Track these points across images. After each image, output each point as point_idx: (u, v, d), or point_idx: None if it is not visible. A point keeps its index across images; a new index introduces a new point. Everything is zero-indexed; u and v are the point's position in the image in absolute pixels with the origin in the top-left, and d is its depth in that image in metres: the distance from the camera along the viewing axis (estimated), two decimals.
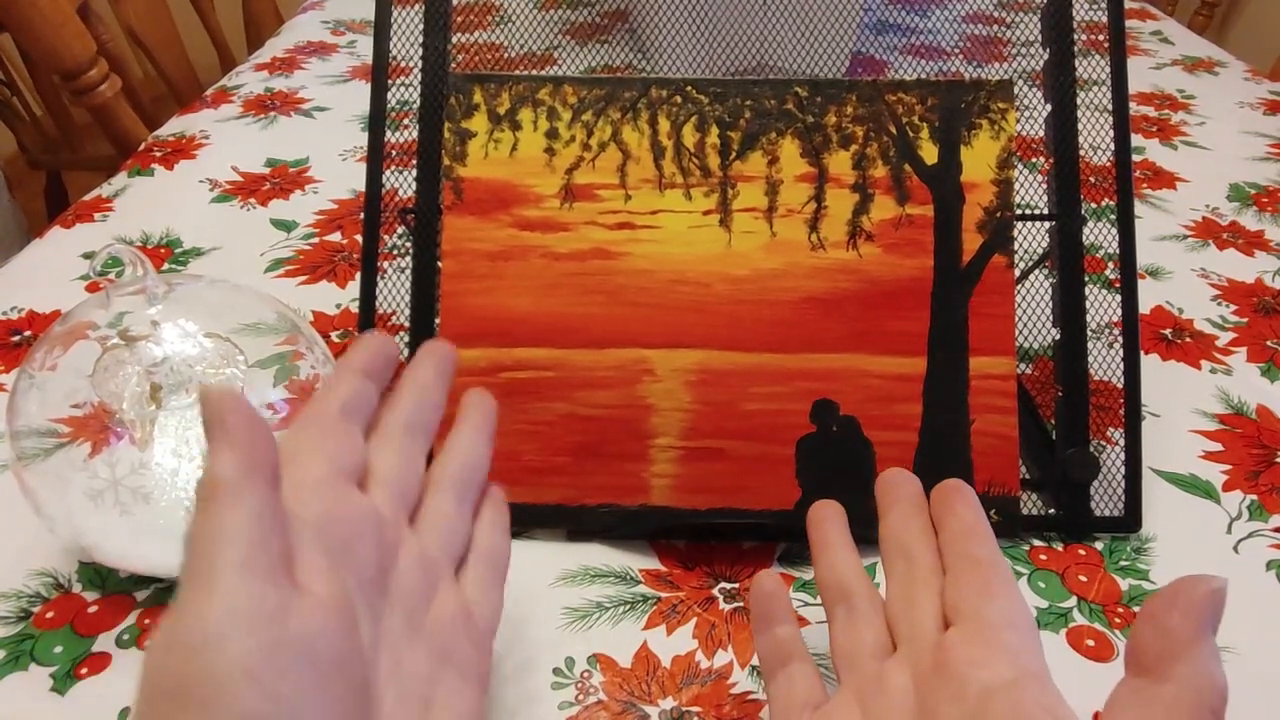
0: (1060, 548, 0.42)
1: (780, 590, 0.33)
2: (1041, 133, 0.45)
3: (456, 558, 0.29)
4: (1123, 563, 0.41)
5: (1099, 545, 0.42)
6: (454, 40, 0.45)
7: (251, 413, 0.22)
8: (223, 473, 0.21)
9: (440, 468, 0.30)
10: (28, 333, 0.54)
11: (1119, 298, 0.44)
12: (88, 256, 0.61)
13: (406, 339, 0.44)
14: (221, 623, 0.20)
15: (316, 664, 0.21)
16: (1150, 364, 0.54)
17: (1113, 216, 0.44)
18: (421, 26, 0.45)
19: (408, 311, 0.44)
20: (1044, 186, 0.45)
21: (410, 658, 0.25)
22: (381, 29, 0.45)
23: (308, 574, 0.22)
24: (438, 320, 0.42)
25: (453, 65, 0.45)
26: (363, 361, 0.28)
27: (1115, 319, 0.44)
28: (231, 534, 0.21)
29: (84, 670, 0.36)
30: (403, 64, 0.46)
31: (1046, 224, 0.44)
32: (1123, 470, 0.43)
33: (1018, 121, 0.42)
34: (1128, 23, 1.06)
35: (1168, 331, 0.56)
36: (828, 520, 0.34)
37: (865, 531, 0.41)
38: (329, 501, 0.25)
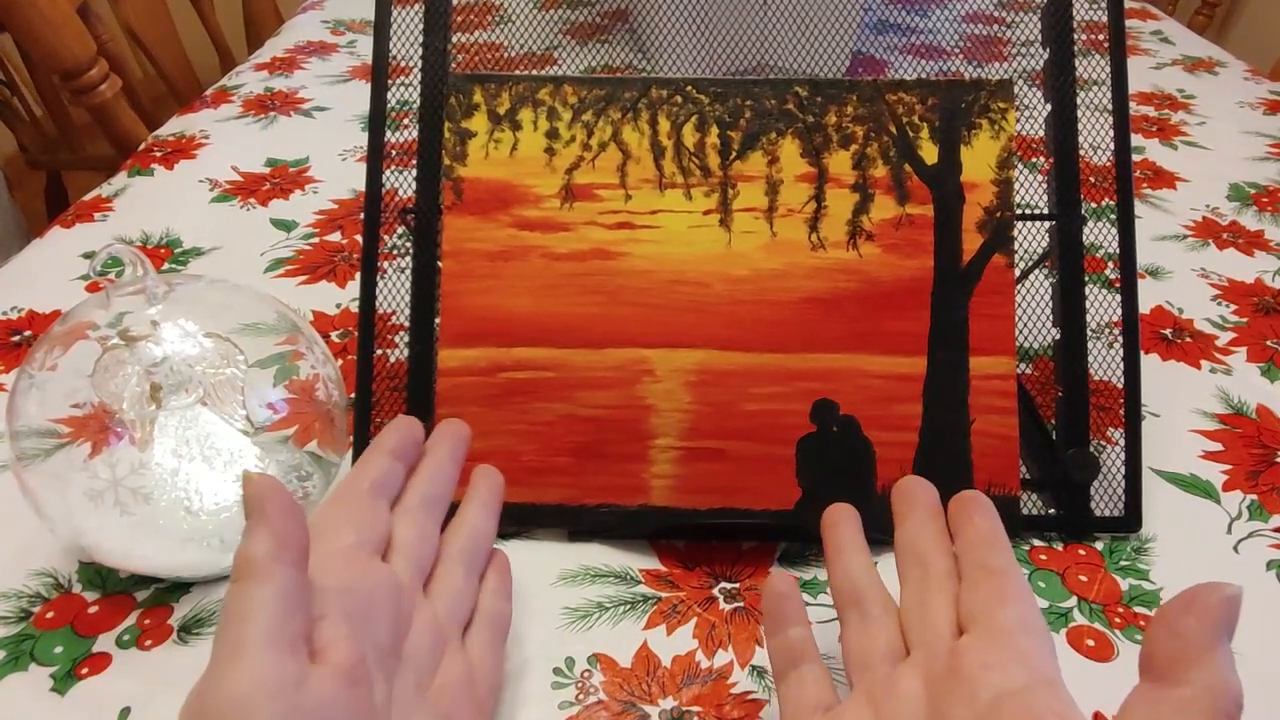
0: (1060, 548, 0.42)
1: (792, 591, 0.33)
2: (1041, 133, 0.45)
3: (463, 623, 0.32)
4: (1123, 563, 0.41)
5: (1099, 545, 0.42)
6: (454, 40, 0.45)
7: (287, 498, 0.25)
8: (255, 553, 0.24)
9: (451, 539, 0.33)
10: (28, 333, 0.54)
11: (1119, 297, 0.44)
12: (88, 256, 0.61)
13: (407, 339, 0.44)
14: (248, 691, 0.22)
15: None
16: (1150, 364, 0.54)
17: (1113, 216, 0.44)
18: (421, 26, 0.45)
19: (408, 311, 0.44)
20: (1044, 186, 0.45)
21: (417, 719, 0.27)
22: (381, 29, 0.45)
23: (329, 641, 0.25)
24: (438, 320, 0.42)
25: (453, 65, 0.45)
26: (393, 444, 0.32)
27: (1115, 319, 0.44)
28: (259, 610, 0.23)
29: (84, 670, 0.36)
30: (403, 64, 0.46)
31: (1046, 224, 0.44)
32: (1123, 470, 0.43)
33: (1018, 121, 0.42)
34: (1128, 23, 1.06)
35: (1168, 331, 0.56)
36: (841, 523, 0.34)
37: (867, 533, 0.41)
38: (354, 571, 0.28)
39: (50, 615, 0.38)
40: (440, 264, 0.42)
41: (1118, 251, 0.44)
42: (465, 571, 0.32)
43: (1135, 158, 0.76)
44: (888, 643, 0.30)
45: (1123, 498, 0.43)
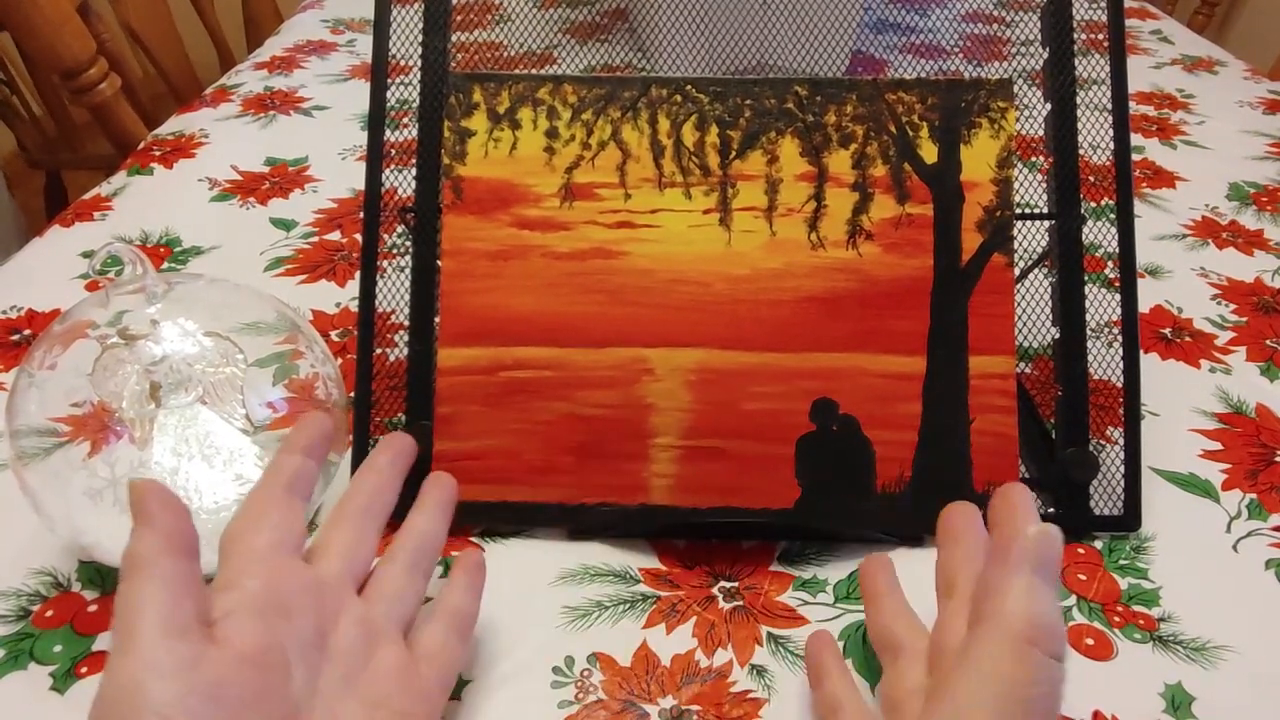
0: None
1: (830, 645, 0.35)
2: (1041, 132, 0.45)
3: (404, 619, 0.32)
4: (1122, 562, 0.41)
5: (1098, 544, 0.42)
6: (453, 39, 0.45)
7: (170, 497, 0.27)
8: (139, 549, 0.26)
9: (397, 541, 0.34)
10: (27, 332, 0.54)
11: (1118, 297, 0.44)
12: (87, 255, 0.61)
13: (406, 338, 0.44)
14: (138, 675, 0.24)
15: (226, 705, 0.25)
16: (1150, 363, 0.54)
17: (1112, 216, 0.44)
18: (421, 25, 0.45)
19: (407, 310, 0.44)
20: (1044, 186, 0.45)
21: (344, 709, 0.28)
22: (381, 28, 0.45)
23: (234, 631, 0.26)
24: (437, 319, 0.42)
25: (452, 64, 0.45)
26: (304, 441, 0.32)
27: (1115, 318, 0.44)
28: (147, 600, 0.25)
29: (84, 669, 0.36)
30: (402, 63, 0.46)
31: (1046, 223, 0.44)
32: (1122, 469, 0.43)
33: (1017, 121, 0.42)
34: (1128, 22, 1.06)
35: (1167, 331, 0.56)
36: (877, 572, 0.36)
37: (865, 531, 0.42)
38: (270, 571, 0.29)
39: (50, 614, 0.38)
40: (440, 263, 0.42)
41: (1117, 251, 0.44)
42: (406, 570, 0.33)
43: (1135, 157, 0.76)
44: (915, 679, 0.31)
45: (1122, 497, 0.43)
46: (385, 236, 0.47)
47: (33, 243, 0.64)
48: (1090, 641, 0.38)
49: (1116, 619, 0.39)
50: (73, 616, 0.38)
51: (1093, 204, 0.58)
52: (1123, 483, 0.43)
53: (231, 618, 0.27)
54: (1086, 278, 0.43)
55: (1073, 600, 0.40)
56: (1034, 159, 0.63)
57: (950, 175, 0.42)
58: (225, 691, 0.25)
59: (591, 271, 0.42)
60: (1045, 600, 0.26)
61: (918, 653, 0.31)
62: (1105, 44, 0.44)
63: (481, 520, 0.42)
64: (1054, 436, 0.43)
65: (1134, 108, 0.86)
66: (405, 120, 0.46)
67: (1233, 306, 0.59)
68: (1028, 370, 0.50)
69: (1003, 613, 0.25)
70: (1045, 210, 0.44)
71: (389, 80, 0.45)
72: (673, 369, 0.41)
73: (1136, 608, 0.39)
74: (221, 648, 0.26)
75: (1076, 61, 0.44)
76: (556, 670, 0.36)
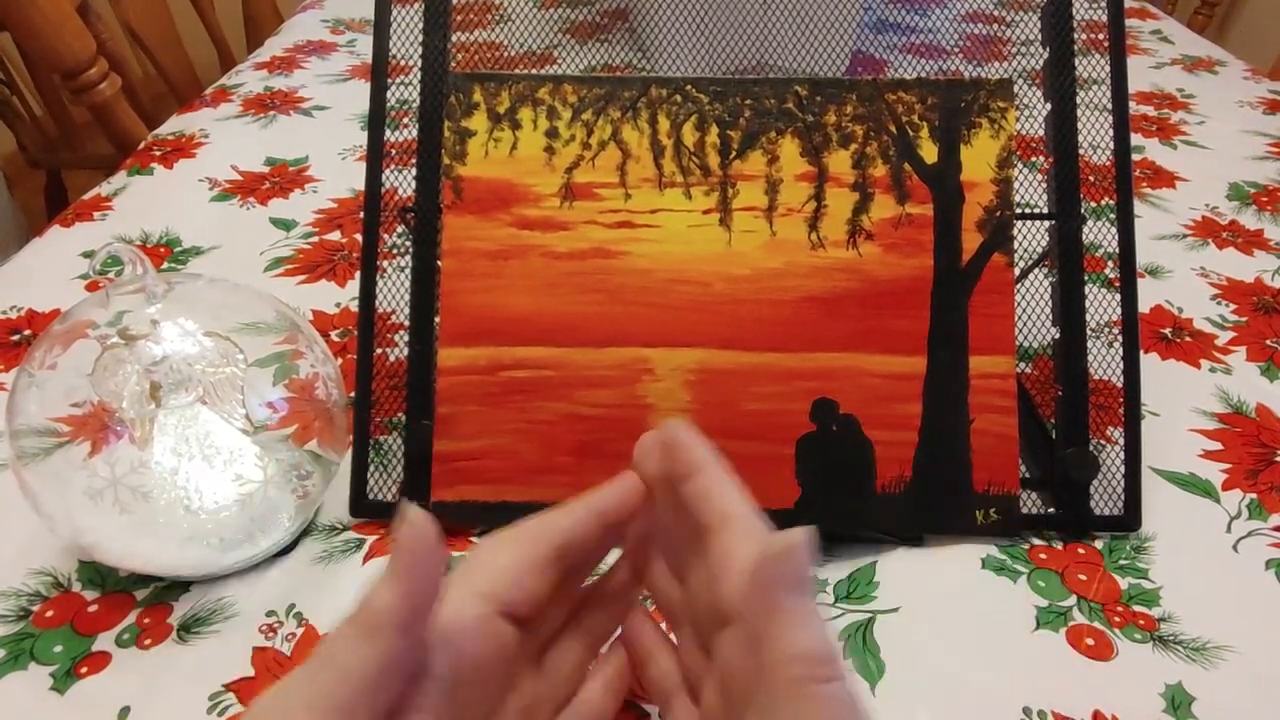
0: (1060, 547, 0.42)
1: (650, 622, 0.32)
2: (1041, 132, 0.45)
3: (559, 705, 0.30)
4: (1122, 561, 0.41)
5: (1099, 544, 0.42)
6: (453, 39, 0.45)
7: (434, 554, 0.24)
8: (378, 605, 0.23)
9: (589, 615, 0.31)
10: (27, 332, 0.54)
11: (1118, 297, 0.44)
12: (87, 255, 0.61)
13: (407, 338, 0.44)
14: None
15: None
16: (1150, 363, 0.54)
17: (1112, 216, 0.44)
18: (421, 25, 0.45)
19: (407, 310, 0.44)
20: (1044, 186, 0.45)
21: None
22: (381, 28, 0.45)
23: (424, 708, 0.24)
24: (437, 319, 0.42)
25: (452, 64, 0.45)
26: (612, 505, 0.29)
27: (1115, 318, 0.44)
28: (356, 671, 0.23)
29: (84, 669, 0.36)
30: (402, 63, 0.46)
31: (1046, 223, 0.44)
32: (1122, 469, 0.43)
33: (1018, 120, 0.42)
34: (1128, 22, 1.06)
35: (1167, 330, 0.56)
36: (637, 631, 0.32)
37: (865, 531, 0.41)
38: (476, 642, 0.26)
39: (50, 614, 0.38)
40: (440, 263, 0.42)
41: (1117, 251, 0.44)
42: (584, 651, 0.31)
43: (1135, 157, 0.76)
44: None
45: (1122, 497, 0.43)
46: (385, 236, 0.47)
47: (33, 243, 0.64)
48: (1090, 642, 0.38)
49: (1117, 619, 0.39)
50: (73, 616, 0.38)
51: (1093, 204, 0.58)
52: (1123, 483, 0.43)
53: (428, 684, 0.25)
54: (1086, 278, 0.43)
55: (1073, 600, 0.40)
56: (1034, 159, 0.63)
57: (950, 175, 0.42)
58: None
59: (591, 271, 0.42)
60: (811, 629, 0.23)
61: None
62: (1105, 44, 0.44)
63: (481, 520, 0.42)
64: (1054, 436, 0.43)
65: (1134, 108, 0.86)
66: (405, 120, 0.46)
67: (1233, 306, 0.59)
68: (1028, 370, 0.50)
69: (778, 662, 0.23)
70: (1045, 210, 0.44)
71: (389, 80, 0.45)
72: (673, 369, 0.41)
73: (1137, 608, 0.39)
74: None
75: (1076, 61, 0.44)
76: None
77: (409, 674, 0.24)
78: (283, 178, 0.71)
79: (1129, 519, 0.43)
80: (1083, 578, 0.41)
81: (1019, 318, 0.42)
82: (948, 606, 0.39)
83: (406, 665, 0.24)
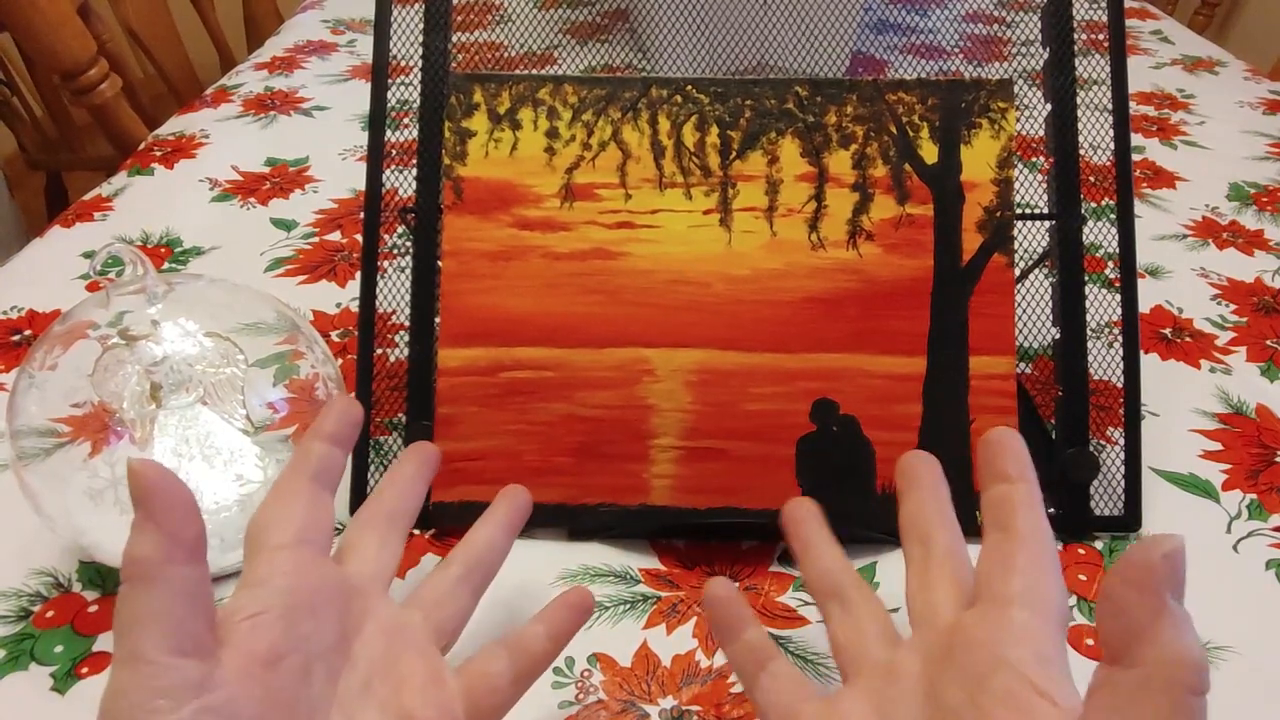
0: (1060, 547, 0.42)
1: (735, 594, 0.32)
2: (1041, 132, 0.45)
3: (444, 630, 0.31)
4: None
5: (1099, 545, 0.42)
6: (454, 39, 0.45)
7: (174, 488, 0.24)
8: (143, 553, 0.23)
9: (454, 550, 0.33)
10: (27, 332, 0.54)
11: (1119, 297, 0.44)
12: (88, 256, 0.61)
13: (407, 339, 0.44)
14: (146, 699, 0.22)
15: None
16: (1150, 363, 0.54)
17: (1112, 216, 0.44)
18: (421, 26, 0.45)
19: (408, 311, 0.44)
20: (1044, 186, 0.45)
21: (362, 716, 0.27)
22: (381, 28, 0.45)
23: (254, 634, 0.25)
24: (438, 320, 0.42)
25: (453, 64, 0.45)
26: (331, 428, 0.31)
27: (1115, 318, 0.44)
28: (154, 615, 0.23)
29: (84, 670, 0.36)
30: (403, 63, 0.46)
31: (1046, 223, 0.44)
32: (1122, 470, 0.43)
33: (1018, 121, 0.42)
34: (1128, 22, 1.06)
35: (1167, 331, 0.56)
36: (804, 520, 0.33)
37: (865, 531, 0.41)
38: (296, 568, 0.27)
39: (50, 614, 0.38)
40: (440, 263, 0.42)
41: (1117, 251, 0.44)
42: (455, 581, 0.32)
43: (1135, 157, 0.76)
44: (878, 628, 0.29)
45: (1122, 497, 0.43)
46: (385, 237, 0.47)
47: (33, 243, 0.64)
48: (1091, 642, 0.38)
49: None
50: (73, 617, 0.38)
51: (1093, 204, 0.58)
52: (1123, 483, 0.43)
53: (257, 619, 0.25)
54: (1087, 278, 0.43)
55: (1073, 600, 0.40)
56: (1034, 159, 0.63)
57: (950, 175, 0.42)
58: (236, 708, 0.23)
59: (592, 272, 0.42)
60: (1194, 635, 0.22)
61: (865, 596, 0.30)
62: (1105, 44, 0.44)
63: None
64: (1054, 437, 0.43)
65: (1134, 108, 0.86)
66: (406, 120, 0.46)
67: (1233, 307, 0.59)
68: (1028, 370, 0.50)
69: (1162, 661, 0.22)
70: (1045, 210, 0.44)
71: (389, 80, 0.45)
72: (673, 369, 0.41)
73: None
74: (235, 654, 0.24)
75: (1077, 61, 0.44)
76: (557, 670, 0.36)
77: (204, 600, 0.24)
78: (283, 178, 0.71)
79: (1129, 519, 0.43)
80: (1083, 578, 0.41)
81: (1019, 318, 0.42)
82: None
83: (197, 593, 0.24)
